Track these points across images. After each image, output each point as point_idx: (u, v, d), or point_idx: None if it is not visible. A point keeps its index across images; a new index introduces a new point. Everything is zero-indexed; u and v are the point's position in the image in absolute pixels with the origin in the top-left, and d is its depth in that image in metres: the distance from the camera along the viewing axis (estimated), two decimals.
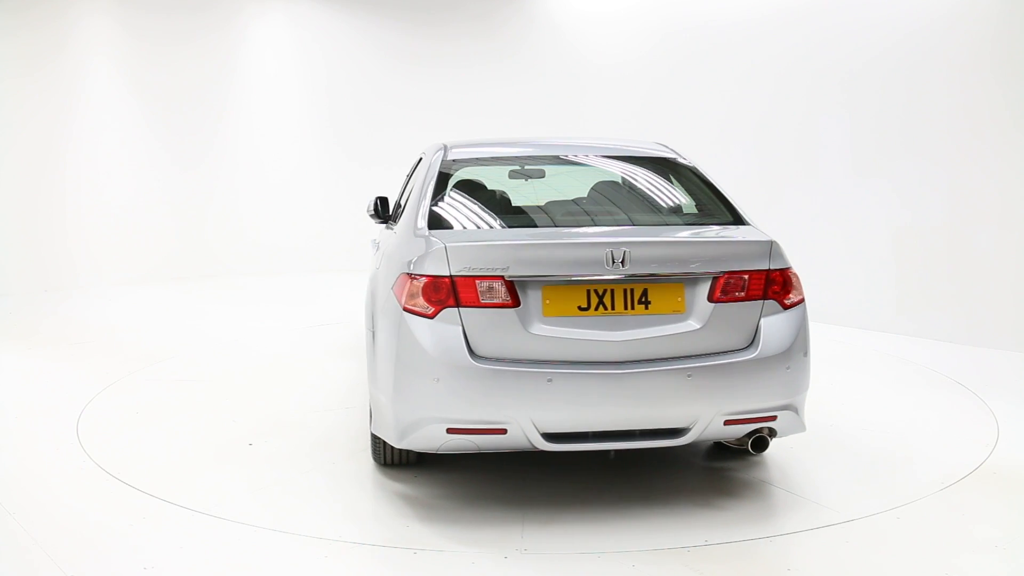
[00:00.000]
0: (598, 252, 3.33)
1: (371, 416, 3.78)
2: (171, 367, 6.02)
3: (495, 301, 3.28)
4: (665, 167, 4.25)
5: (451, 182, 4.08)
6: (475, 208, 3.92)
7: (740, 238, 3.60)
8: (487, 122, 10.37)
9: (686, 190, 4.13)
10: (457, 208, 3.90)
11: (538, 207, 4.25)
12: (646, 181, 4.25)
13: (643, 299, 3.36)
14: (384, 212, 4.75)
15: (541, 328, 3.30)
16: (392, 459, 3.94)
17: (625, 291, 3.35)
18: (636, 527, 3.39)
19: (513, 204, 4.30)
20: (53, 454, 4.25)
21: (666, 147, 4.44)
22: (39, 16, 9.36)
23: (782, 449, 4.23)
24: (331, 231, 11.10)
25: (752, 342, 3.44)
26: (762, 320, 3.45)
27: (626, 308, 3.35)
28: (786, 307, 3.51)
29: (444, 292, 3.29)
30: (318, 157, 11.33)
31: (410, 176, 5.08)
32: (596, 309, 3.33)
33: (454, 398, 3.25)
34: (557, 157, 4.50)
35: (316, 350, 6.60)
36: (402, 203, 4.65)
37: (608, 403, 3.27)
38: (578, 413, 3.28)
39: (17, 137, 9.33)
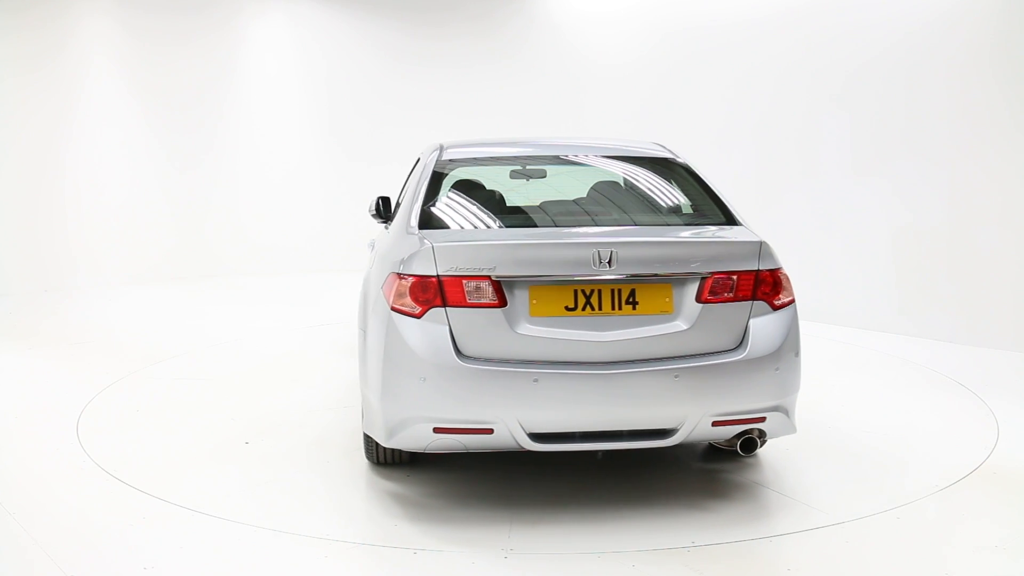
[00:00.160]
0: (585, 252, 3.33)
1: (363, 415, 3.79)
2: (171, 367, 6.02)
3: (482, 301, 3.29)
4: (660, 167, 4.24)
5: (445, 182, 4.09)
6: (467, 208, 3.93)
7: (729, 238, 3.59)
8: (487, 122, 10.36)
9: (680, 190, 4.12)
10: (449, 208, 3.90)
11: (531, 207, 4.25)
12: (640, 181, 4.25)
13: (631, 299, 3.36)
14: (386, 212, 4.76)
15: (528, 328, 3.30)
16: (385, 458, 3.95)
17: (612, 291, 3.35)
18: (635, 527, 3.39)
19: (507, 204, 4.30)
20: (53, 454, 4.25)
21: (663, 147, 4.43)
22: (39, 16, 9.36)
23: (782, 450, 4.22)
24: (331, 231, 11.10)
25: (741, 343, 3.42)
26: (751, 321, 3.43)
27: (613, 308, 3.34)
28: (776, 308, 3.49)
29: (431, 292, 3.30)
30: (318, 157, 11.33)
31: (409, 176, 5.08)
32: (583, 309, 3.33)
33: (441, 398, 3.26)
34: (552, 157, 4.50)
35: (317, 350, 6.60)
36: (400, 203, 4.66)
37: (595, 403, 3.27)
38: (564, 413, 3.28)
39: (17, 137, 9.33)
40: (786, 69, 8.02)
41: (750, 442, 3.57)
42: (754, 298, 3.45)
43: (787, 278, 3.57)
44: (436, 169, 4.07)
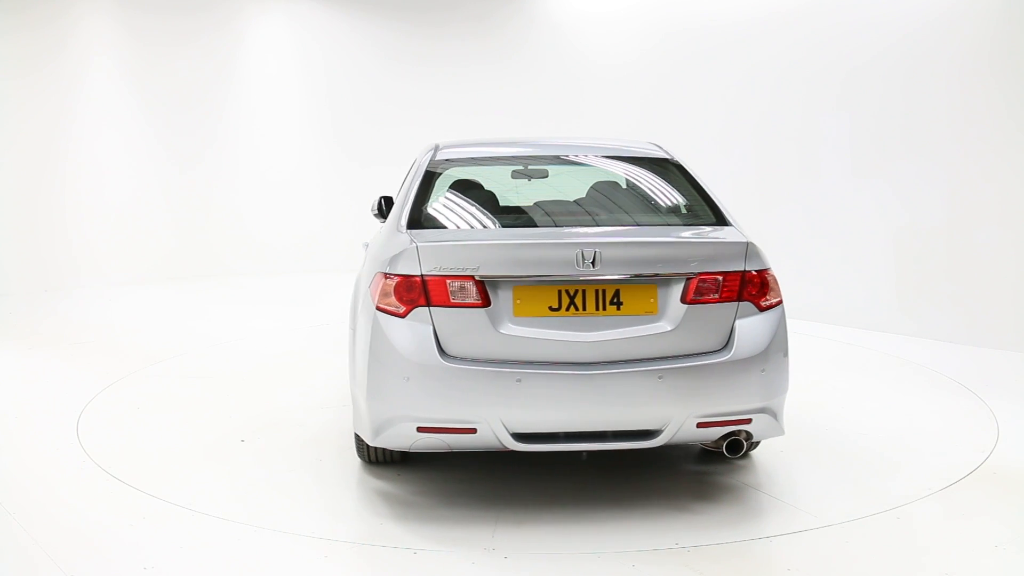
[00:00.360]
0: (568, 252, 3.32)
1: (353, 414, 3.81)
2: (171, 367, 6.02)
3: (466, 301, 3.29)
4: (652, 166, 4.21)
5: (438, 182, 4.08)
6: (458, 208, 3.92)
7: (715, 239, 3.56)
8: (487, 122, 10.36)
9: (671, 190, 4.10)
10: (440, 208, 3.90)
11: (522, 207, 4.24)
12: (632, 181, 4.24)
13: (615, 300, 3.35)
14: (388, 211, 4.75)
15: (511, 328, 3.31)
16: (376, 457, 3.95)
17: (597, 292, 3.34)
18: (635, 527, 3.39)
19: (499, 204, 4.28)
20: (53, 454, 4.26)
21: (658, 147, 4.41)
22: (39, 16, 9.36)
23: (781, 451, 4.23)
24: (331, 231, 11.10)
25: (726, 344, 3.40)
26: (737, 322, 3.42)
27: (597, 309, 3.34)
28: (762, 309, 3.47)
29: (416, 292, 3.31)
30: (318, 157, 11.33)
31: (406, 176, 5.08)
32: (567, 310, 3.33)
33: (424, 397, 3.26)
34: (545, 157, 4.48)
35: (317, 350, 6.60)
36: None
37: (578, 404, 3.26)
38: (548, 414, 3.28)
39: (17, 137, 9.33)
40: (786, 69, 8.02)
41: (736, 444, 3.53)
42: (740, 299, 3.43)
43: (775, 279, 3.55)
44: (429, 169, 4.07)
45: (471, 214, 3.89)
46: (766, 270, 3.51)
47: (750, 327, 3.42)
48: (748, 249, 3.48)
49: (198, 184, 10.65)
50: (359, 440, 3.92)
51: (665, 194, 4.10)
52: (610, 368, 3.28)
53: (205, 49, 10.56)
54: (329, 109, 11.31)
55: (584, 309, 3.33)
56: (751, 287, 3.45)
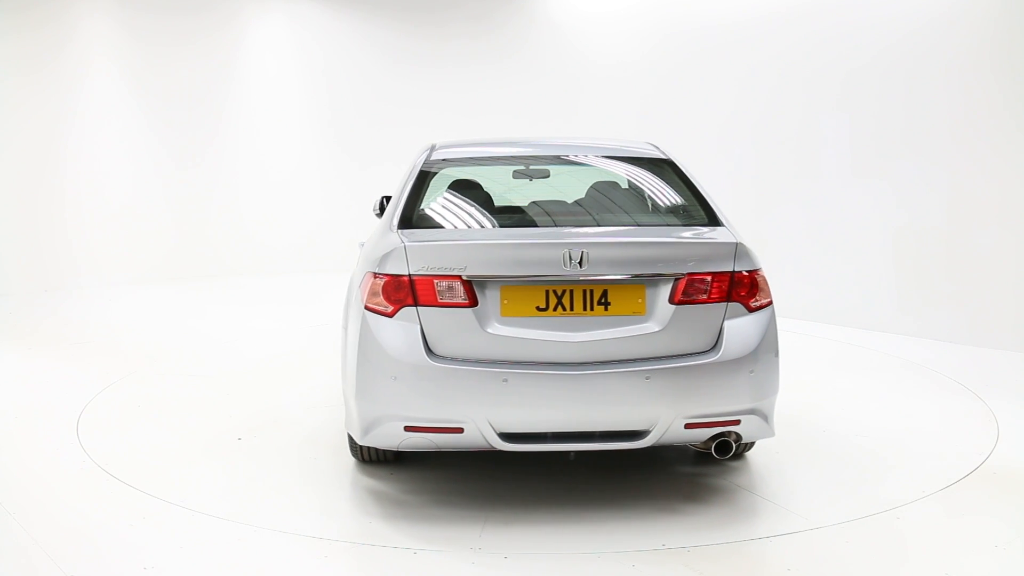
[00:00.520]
0: (555, 252, 3.31)
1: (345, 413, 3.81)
2: (171, 367, 6.03)
3: (453, 301, 3.30)
4: (647, 166, 4.20)
5: (433, 182, 4.08)
6: (450, 207, 3.92)
7: (704, 239, 3.55)
8: (487, 122, 10.36)
9: (665, 190, 4.08)
10: (432, 207, 3.90)
11: (515, 207, 4.22)
12: (628, 181, 4.22)
13: (603, 300, 3.34)
14: None
15: (499, 328, 3.31)
16: (369, 455, 3.96)
17: (584, 292, 3.34)
18: (635, 527, 3.39)
19: (493, 204, 4.28)
20: (53, 454, 4.26)
21: (654, 147, 4.39)
22: (39, 16, 9.36)
23: (781, 451, 4.22)
24: (331, 231, 11.09)
25: (715, 345, 3.39)
26: (725, 323, 3.40)
27: (585, 309, 3.34)
28: (752, 310, 3.45)
29: (404, 291, 3.32)
30: (318, 157, 11.33)
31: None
32: (555, 310, 3.33)
33: (412, 396, 3.27)
34: (541, 157, 4.46)
35: (317, 350, 6.60)
36: None
37: (565, 404, 3.26)
38: (534, 414, 3.28)
39: (17, 137, 9.32)
40: (786, 69, 8.02)
41: (725, 445, 3.52)
42: (729, 300, 3.42)
43: (765, 280, 3.52)
44: (423, 168, 4.07)
45: (463, 214, 3.89)
46: (756, 271, 3.49)
47: (739, 328, 3.41)
48: (737, 249, 3.46)
49: (198, 184, 10.64)
50: (352, 439, 3.93)
51: (658, 194, 4.09)
52: (597, 368, 3.27)
53: (205, 49, 10.55)
54: (329, 109, 11.31)
55: (571, 309, 3.33)
56: (740, 288, 3.44)
